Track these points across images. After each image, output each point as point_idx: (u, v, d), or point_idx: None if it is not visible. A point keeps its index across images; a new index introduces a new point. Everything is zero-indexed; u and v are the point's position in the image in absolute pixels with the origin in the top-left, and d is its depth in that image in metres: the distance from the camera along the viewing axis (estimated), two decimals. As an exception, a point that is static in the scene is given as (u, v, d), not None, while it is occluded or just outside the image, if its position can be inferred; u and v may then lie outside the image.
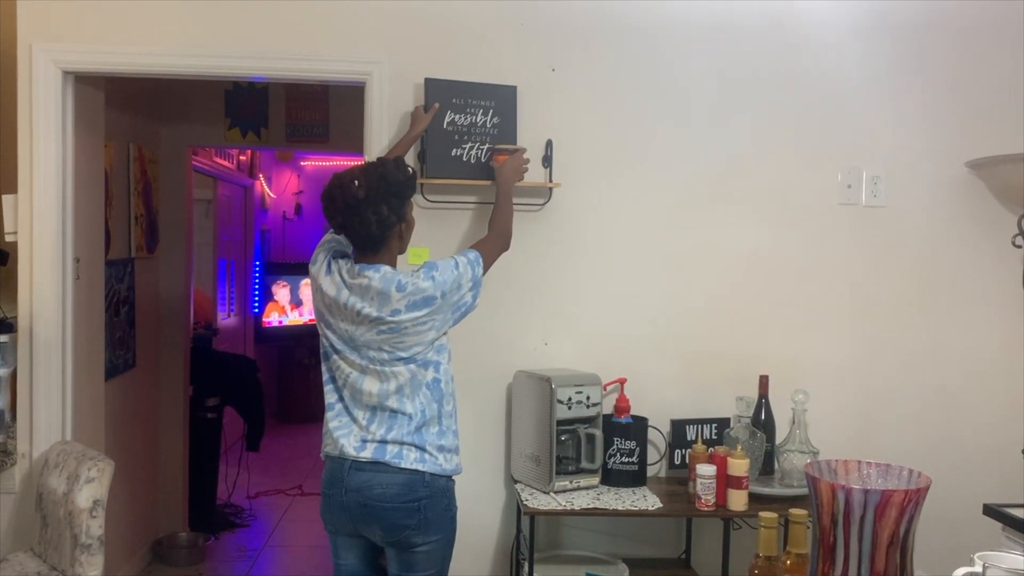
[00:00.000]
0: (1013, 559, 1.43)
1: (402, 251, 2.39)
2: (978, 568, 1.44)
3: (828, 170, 3.08)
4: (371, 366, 2.28)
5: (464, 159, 2.87)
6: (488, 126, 2.88)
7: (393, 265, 2.32)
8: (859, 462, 1.34)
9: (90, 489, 2.53)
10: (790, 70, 3.06)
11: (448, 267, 2.32)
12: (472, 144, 2.87)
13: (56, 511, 2.63)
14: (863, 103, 3.08)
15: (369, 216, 2.22)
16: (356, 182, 2.22)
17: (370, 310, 2.24)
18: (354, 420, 2.31)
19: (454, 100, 2.86)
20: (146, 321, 4.23)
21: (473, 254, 2.42)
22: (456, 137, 2.86)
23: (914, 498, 1.20)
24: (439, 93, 2.85)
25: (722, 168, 3.06)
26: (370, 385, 2.28)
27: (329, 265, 2.34)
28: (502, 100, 2.91)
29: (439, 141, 2.85)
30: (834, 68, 3.07)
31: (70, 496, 2.55)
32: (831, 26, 3.06)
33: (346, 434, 2.30)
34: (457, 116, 2.86)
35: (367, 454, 2.27)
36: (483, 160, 2.87)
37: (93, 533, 2.52)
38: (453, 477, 2.35)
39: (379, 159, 2.39)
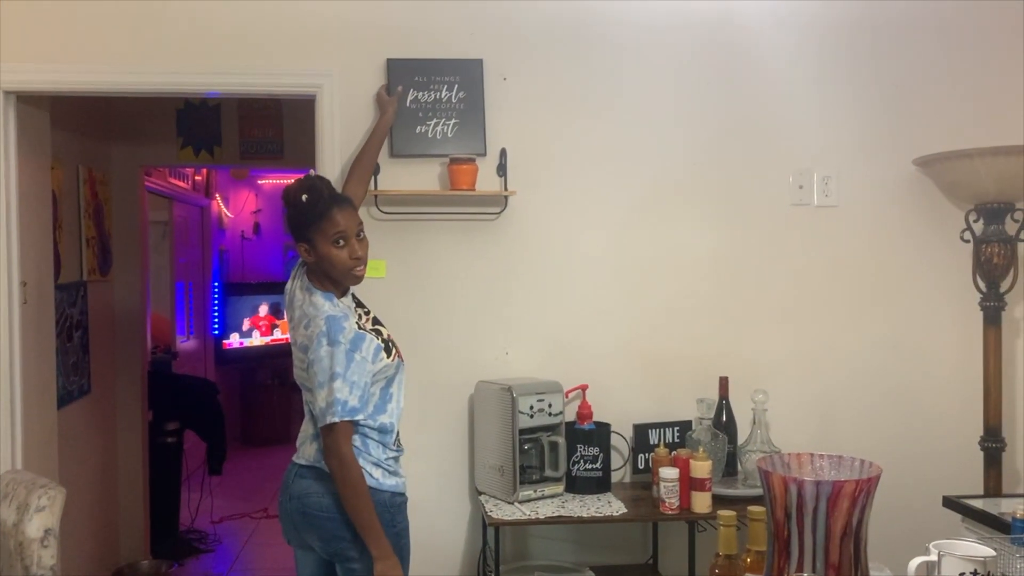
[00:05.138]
0: (967, 546, 1.44)
1: (332, 278, 2.22)
2: (934, 557, 1.46)
3: (780, 172, 3.11)
4: (295, 361, 2.29)
5: (429, 136, 2.91)
6: (454, 101, 2.92)
7: (327, 290, 2.23)
8: (812, 455, 1.34)
9: (41, 518, 2.45)
10: (740, 73, 3.09)
11: (321, 361, 2.10)
12: (437, 120, 2.90)
13: (6, 543, 2.55)
14: (812, 104, 3.12)
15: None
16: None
17: (289, 319, 2.31)
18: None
19: (417, 78, 2.90)
20: (101, 346, 4.15)
21: (332, 414, 2.08)
22: (420, 114, 2.91)
23: (865, 487, 1.20)
24: (402, 72, 2.89)
25: (676, 172, 3.08)
26: (297, 378, 2.30)
27: (303, 264, 2.33)
28: (467, 74, 2.93)
29: (403, 119, 2.90)
30: (783, 70, 3.10)
31: (20, 526, 2.47)
32: (779, 28, 3.10)
33: (306, 419, 2.30)
34: (421, 93, 2.90)
35: (308, 452, 2.24)
36: (450, 137, 2.91)
37: (45, 563, 2.44)
38: (404, 493, 2.28)
39: (303, 176, 2.30)
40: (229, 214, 7.56)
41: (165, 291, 5.94)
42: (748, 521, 1.60)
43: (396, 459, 2.28)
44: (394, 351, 2.27)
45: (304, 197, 2.17)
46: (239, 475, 6.33)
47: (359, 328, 2.19)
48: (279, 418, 7.52)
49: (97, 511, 4.10)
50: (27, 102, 2.97)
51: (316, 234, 2.17)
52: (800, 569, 1.21)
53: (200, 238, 6.92)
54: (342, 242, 2.18)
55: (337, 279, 2.24)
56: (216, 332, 7.12)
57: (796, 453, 1.35)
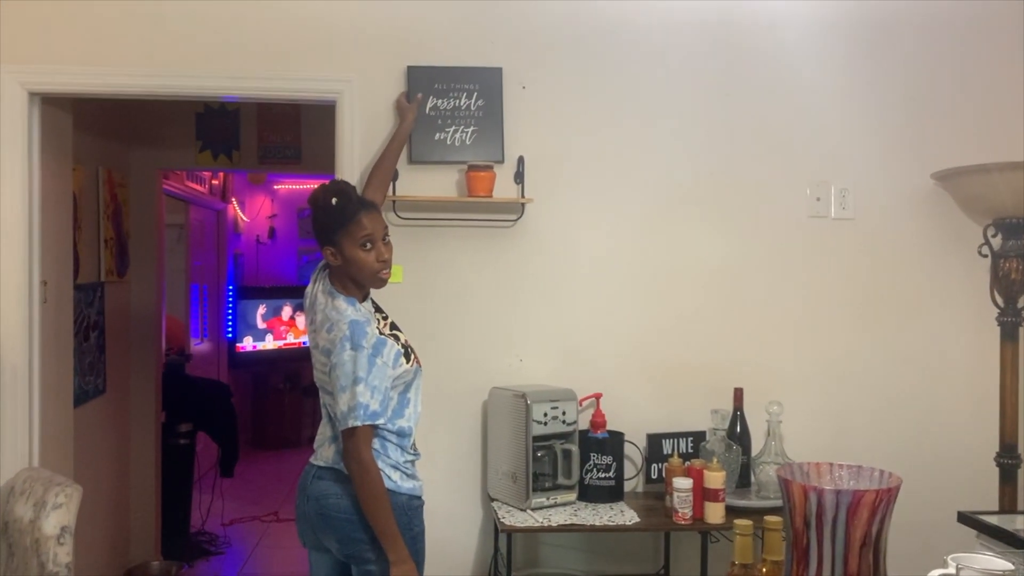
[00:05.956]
0: (985, 560, 1.43)
1: (358, 282, 2.24)
2: (952, 570, 1.45)
3: (797, 183, 3.12)
4: (314, 363, 2.29)
5: (448, 142, 2.93)
6: (472, 108, 2.94)
7: (349, 294, 2.24)
8: (831, 464, 1.34)
9: (57, 516, 2.47)
10: (759, 84, 3.09)
11: (344, 365, 2.11)
12: (456, 127, 2.92)
13: (22, 540, 2.57)
14: (830, 116, 3.12)
15: (312, 227, 2.28)
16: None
17: (309, 322, 2.32)
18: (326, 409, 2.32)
19: (436, 85, 2.92)
20: (116, 346, 4.17)
21: (355, 417, 2.09)
22: (439, 121, 2.93)
23: (885, 498, 1.20)
24: (422, 79, 2.91)
25: (694, 182, 3.08)
26: (317, 381, 2.31)
27: (324, 268, 2.34)
28: (486, 82, 2.95)
29: (422, 126, 2.92)
30: (802, 81, 3.11)
31: (37, 523, 2.49)
32: (798, 41, 3.10)
33: (323, 422, 2.31)
34: (440, 101, 2.92)
35: (326, 454, 2.25)
36: (468, 144, 2.92)
37: (61, 560, 2.46)
38: (420, 496, 2.29)
39: (331, 180, 2.36)
40: (245, 218, 7.60)
41: (180, 294, 5.98)
42: (764, 531, 1.60)
43: (413, 463, 2.29)
44: (412, 356, 2.29)
45: (334, 200, 2.19)
46: (250, 478, 6.35)
47: (379, 333, 2.21)
48: (291, 422, 7.54)
49: (109, 511, 4.12)
50: (51, 103, 3.00)
51: (344, 237, 2.19)
52: (819, 578, 1.22)
53: (215, 242, 6.96)
54: (369, 245, 2.20)
55: (362, 282, 2.26)
56: (229, 335, 7.16)
57: (815, 462, 1.35)
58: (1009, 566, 1.43)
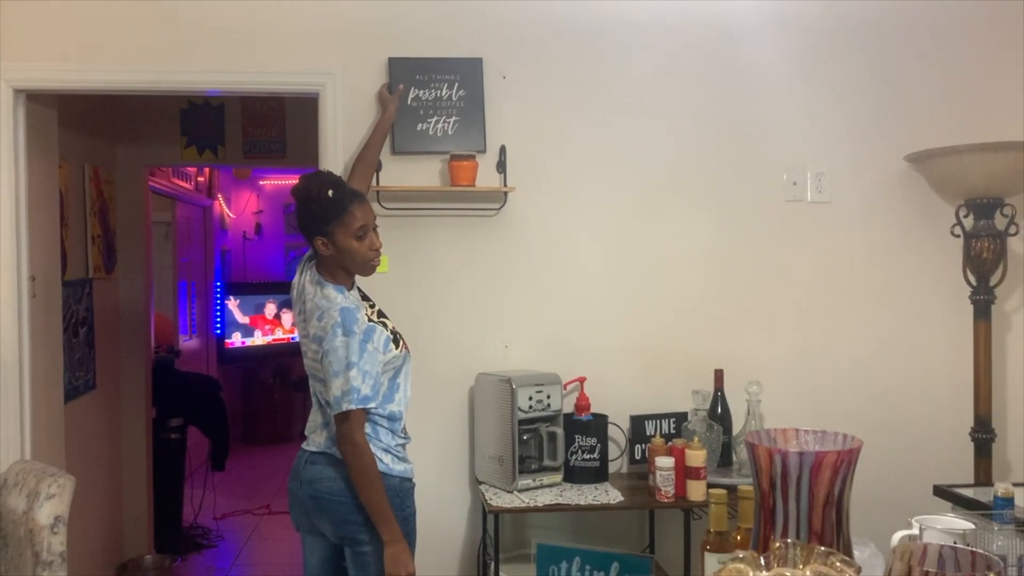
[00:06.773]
0: (947, 520, 1.50)
1: (350, 270, 2.30)
2: (915, 531, 1.51)
3: (774, 168, 3.17)
4: (305, 351, 2.34)
5: (430, 133, 2.97)
6: (454, 99, 2.98)
7: (338, 283, 2.29)
8: (797, 430, 1.40)
9: (51, 505, 2.51)
10: (735, 71, 3.15)
11: (336, 351, 2.15)
12: (438, 118, 2.97)
13: (16, 530, 2.60)
14: (805, 101, 3.18)
15: (297, 219, 2.30)
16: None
17: (297, 312, 2.36)
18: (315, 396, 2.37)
19: (417, 76, 2.96)
20: (106, 342, 4.20)
21: (348, 401, 2.14)
22: (421, 112, 2.97)
23: (847, 458, 1.26)
24: (403, 71, 2.95)
25: (673, 168, 3.14)
26: (308, 369, 2.35)
27: (311, 259, 2.38)
28: (467, 72, 2.99)
29: (404, 117, 2.96)
30: (776, 68, 3.16)
31: (30, 514, 2.52)
32: (773, 26, 3.16)
33: (314, 409, 2.35)
34: (421, 91, 2.96)
35: (319, 440, 2.30)
36: (450, 134, 2.97)
37: (55, 550, 2.50)
38: (412, 479, 2.35)
39: (317, 172, 2.39)
40: (231, 214, 7.62)
41: (168, 290, 6.00)
42: (738, 500, 1.66)
43: (404, 446, 2.35)
44: (401, 342, 2.34)
45: (330, 192, 2.23)
46: (241, 473, 6.39)
47: (368, 320, 2.26)
48: (280, 417, 7.58)
49: (102, 506, 4.16)
50: (35, 100, 3.02)
51: (338, 228, 2.23)
52: (785, 536, 1.27)
53: (202, 238, 6.98)
54: (363, 235, 2.25)
55: (354, 271, 2.32)
56: (217, 332, 7.18)
57: (783, 428, 1.41)
58: (969, 525, 1.50)
